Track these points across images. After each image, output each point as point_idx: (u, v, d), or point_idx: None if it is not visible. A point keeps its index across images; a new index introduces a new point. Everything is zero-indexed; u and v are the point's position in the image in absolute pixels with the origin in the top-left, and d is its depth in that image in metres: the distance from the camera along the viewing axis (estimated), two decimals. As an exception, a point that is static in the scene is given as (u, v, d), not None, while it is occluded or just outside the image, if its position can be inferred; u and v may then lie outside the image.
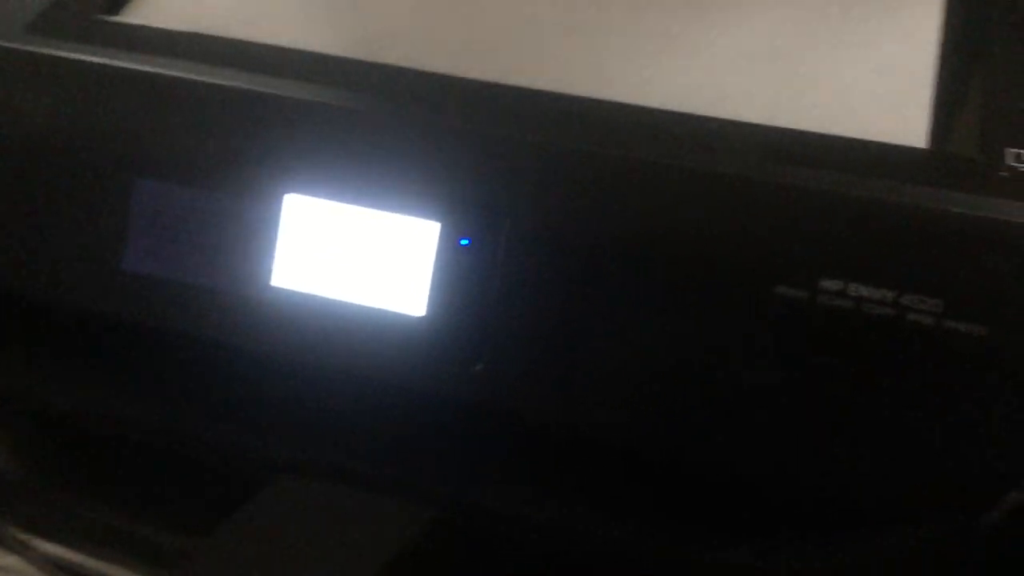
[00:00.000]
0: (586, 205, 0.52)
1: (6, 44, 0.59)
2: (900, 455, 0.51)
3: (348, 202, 0.55)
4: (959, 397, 0.49)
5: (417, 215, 0.54)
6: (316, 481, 0.56)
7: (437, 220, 0.54)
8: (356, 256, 0.55)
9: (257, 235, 0.56)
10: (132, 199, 0.57)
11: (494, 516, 0.58)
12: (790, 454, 0.52)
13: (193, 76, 0.57)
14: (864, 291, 0.50)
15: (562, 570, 0.58)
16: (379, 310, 0.55)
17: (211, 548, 0.53)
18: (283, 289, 0.56)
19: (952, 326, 0.49)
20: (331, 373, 0.56)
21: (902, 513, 0.53)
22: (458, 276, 0.54)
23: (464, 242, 0.54)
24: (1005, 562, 0.53)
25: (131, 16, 0.63)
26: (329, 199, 0.55)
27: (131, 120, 0.57)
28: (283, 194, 0.56)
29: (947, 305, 0.49)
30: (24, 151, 0.58)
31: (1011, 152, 0.51)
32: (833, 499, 0.53)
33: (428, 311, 0.54)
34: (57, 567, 0.58)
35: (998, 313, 0.49)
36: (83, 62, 0.58)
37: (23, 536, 0.59)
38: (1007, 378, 0.49)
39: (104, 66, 0.57)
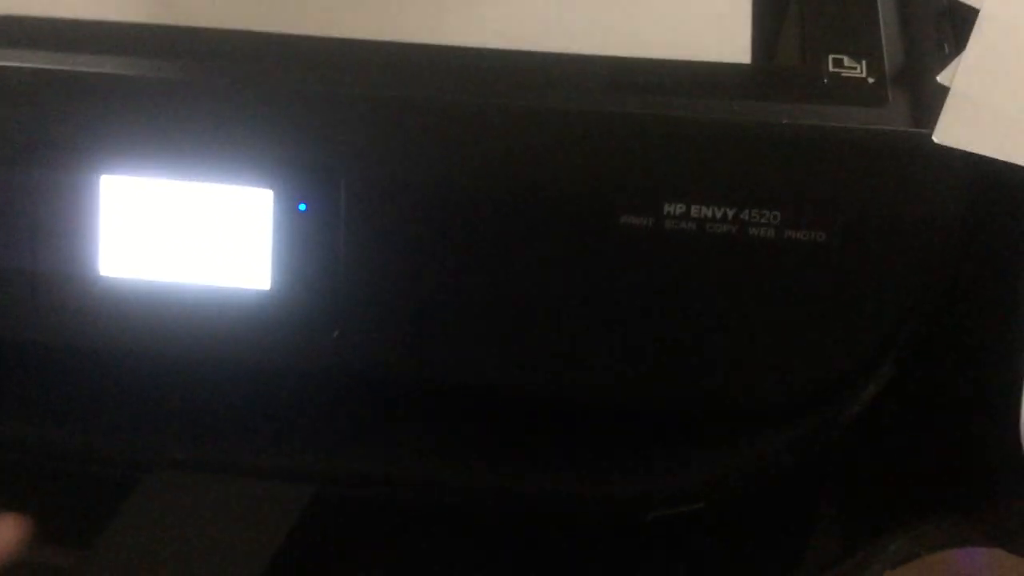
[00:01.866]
0: (421, 155, 0.51)
1: None
2: (759, 364, 0.52)
3: (172, 178, 0.52)
4: (808, 301, 0.51)
5: (247, 184, 0.52)
6: (189, 474, 0.54)
7: (269, 187, 0.52)
8: (189, 234, 0.53)
9: (78, 223, 0.53)
10: None
11: (372, 480, 0.57)
12: (654, 375, 0.53)
13: None
14: (706, 211, 0.50)
15: (444, 525, 0.58)
16: (222, 288, 0.53)
17: (93, 560, 0.51)
18: (114, 278, 0.53)
19: (792, 235, 0.50)
20: (181, 361, 0.54)
21: (763, 419, 0.55)
22: (300, 243, 0.52)
23: (302, 207, 0.52)
24: (866, 456, 0.56)
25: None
26: (150, 176, 0.53)
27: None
28: (99, 176, 0.53)
29: (785, 215, 0.50)
30: None
31: (831, 58, 0.53)
32: (694, 414, 0.55)
33: (273, 283, 0.53)
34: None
35: (834, 217, 0.50)
36: None
37: None
38: (850, 277, 0.51)
39: None
